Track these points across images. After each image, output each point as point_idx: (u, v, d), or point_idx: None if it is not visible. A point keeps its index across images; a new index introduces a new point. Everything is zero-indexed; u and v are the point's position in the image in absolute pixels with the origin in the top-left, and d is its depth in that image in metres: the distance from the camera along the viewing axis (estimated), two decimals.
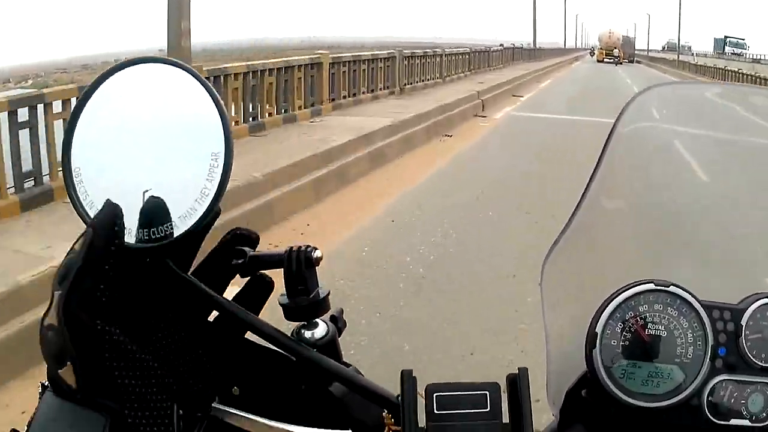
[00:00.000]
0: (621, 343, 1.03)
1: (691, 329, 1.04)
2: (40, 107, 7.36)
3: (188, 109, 0.94)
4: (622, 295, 1.04)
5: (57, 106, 7.48)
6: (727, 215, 1.34)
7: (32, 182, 7.18)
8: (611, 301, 1.03)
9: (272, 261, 1.01)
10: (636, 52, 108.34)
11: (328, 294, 1.03)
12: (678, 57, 72.40)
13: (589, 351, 1.02)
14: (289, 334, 1.00)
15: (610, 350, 1.03)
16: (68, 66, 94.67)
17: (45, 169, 7.38)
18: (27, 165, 7.17)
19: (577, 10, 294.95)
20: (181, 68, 0.96)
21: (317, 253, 1.00)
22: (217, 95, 0.94)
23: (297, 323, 1.03)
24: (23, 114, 7.15)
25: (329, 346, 1.03)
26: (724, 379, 1.03)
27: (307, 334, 1.03)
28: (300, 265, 1.00)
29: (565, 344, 1.13)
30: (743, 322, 1.04)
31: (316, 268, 1.01)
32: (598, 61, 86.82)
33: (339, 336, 1.06)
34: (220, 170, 0.92)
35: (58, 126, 7.35)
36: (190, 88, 0.94)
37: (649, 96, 1.20)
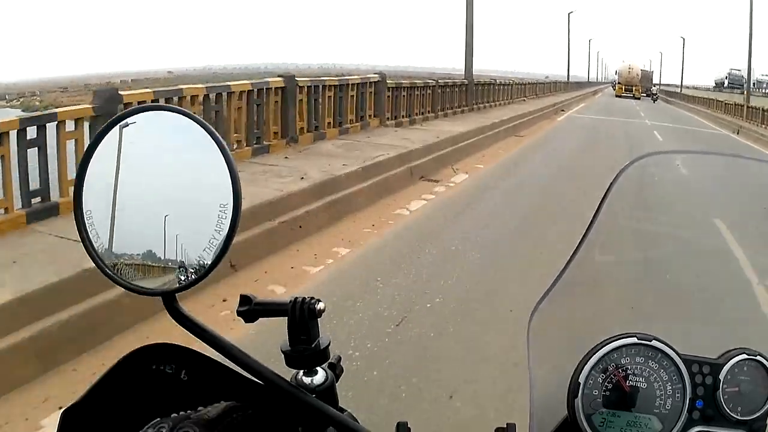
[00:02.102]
0: (602, 392, 1.10)
1: (670, 381, 1.11)
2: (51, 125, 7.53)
3: (197, 159, 0.96)
4: (606, 347, 1.11)
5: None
6: (710, 272, 1.41)
7: (39, 199, 7.36)
8: (595, 353, 1.10)
9: (277, 309, 1.05)
10: (660, 86, 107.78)
11: (329, 344, 1.06)
12: (747, 95, 45.52)
13: (571, 399, 1.09)
14: (289, 379, 1.04)
15: (591, 399, 1.10)
16: (70, 85, 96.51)
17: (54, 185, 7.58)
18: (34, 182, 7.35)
19: (598, 47, 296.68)
20: (189, 118, 0.97)
21: (320, 305, 1.05)
22: (226, 146, 0.96)
23: (296, 371, 1.06)
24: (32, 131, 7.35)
25: (327, 392, 1.06)
26: (701, 430, 1.10)
27: (307, 380, 1.06)
28: (303, 315, 1.04)
29: (548, 391, 1.16)
30: (721, 376, 1.11)
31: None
32: (617, 95, 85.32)
33: (336, 382, 1.09)
34: (228, 221, 0.94)
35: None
36: (199, 138, 0.96)
37: (641, 163, 1.27)
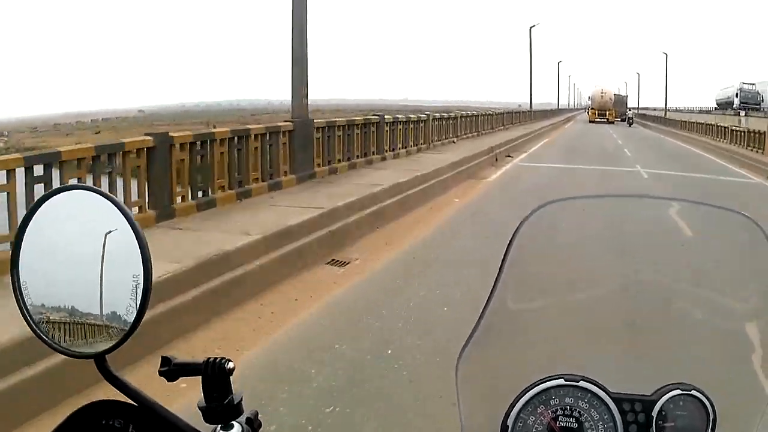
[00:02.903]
0: None
1: (602, 421, 1.14)
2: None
3: (111, 232, 1.09)
4: (533, 390, 1.15)
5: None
6: (639, 309, 1.42)
7: None
8: (523, 396, 1.15)
9: (193, 369, 1.14)
10: (637, 110, 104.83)
11: (242, 399, 1.15)
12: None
13: None
14: None
15: None
16: (42, 125, 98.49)
17: None
18: None
19: (569, 71, 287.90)
20: (102, 195, 1.12)
21: (231, 365, 1.14)
22: (134, 219, 1.10)
23: (214, 426, 1.14)
24: None
25: None
26: None
27: None
28: (215, 374, 1.13)
29: None
30: (654, 413, 1.14)
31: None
32: (590, 121, 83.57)
33: None
34: (140, 290, 1.09)
35: None
36: (110, 213, 1.11)
37: (546, 209, 1.30)
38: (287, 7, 14.08)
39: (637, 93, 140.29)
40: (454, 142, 25.66)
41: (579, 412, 1.14)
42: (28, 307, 1.08)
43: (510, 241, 1.25)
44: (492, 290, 1.22)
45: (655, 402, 1.14)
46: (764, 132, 29.05)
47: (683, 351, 1.35)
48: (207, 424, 1.13)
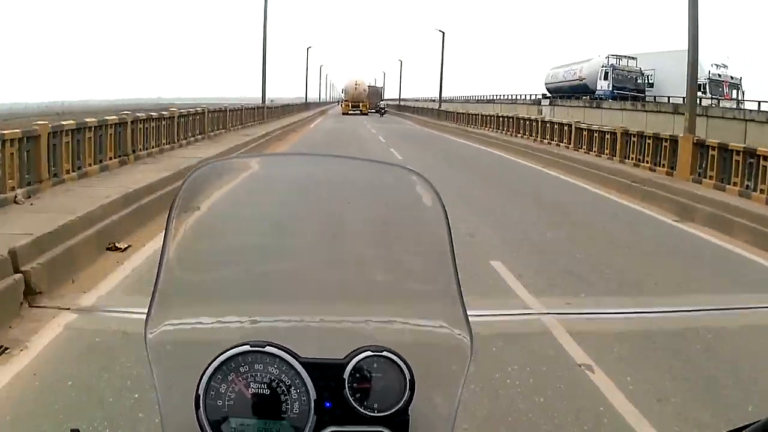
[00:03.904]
0: (227, 402, 1.15)
1: (294, 386, 1.16)
2: None
3: None
4: (220, 357, 1.15)
5: None
6: (327, 273, 1.40)
7: None
8: (210, 365, 1.15)
9: None
10: (399, 102, 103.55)
11: None
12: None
13: (196, 412, 1.13)
14: None
15: (218, 411, 1.15)
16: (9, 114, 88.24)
17: None
18: None
19: (322, 62, 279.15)
20: None
21: None
22: None
23: None
24: None
25: None
26: (333, 431, 1.15)
27: None
28: None
29: (179, 409, 1.17)
30: (345, 375, 1.17)
31: None
32: (344, 113, 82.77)
33: None
34: None
35: None
36: None
37: (205, 170, 1.28)
38: None
39: (399, 83, 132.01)
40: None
41: (270, 377, 1.16)
42: None
43: (171, 207, 1.21)
44: (160, 261, 1.19)
45: (345, 365, 1.16)
46: None
47: (374, 314, 1.35)
48: None
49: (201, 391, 1.13)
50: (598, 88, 52.40)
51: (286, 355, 1.16)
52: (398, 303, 1.37)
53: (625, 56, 53.82)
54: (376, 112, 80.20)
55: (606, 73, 51.89)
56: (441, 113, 56.32)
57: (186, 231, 1.24)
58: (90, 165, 13.41)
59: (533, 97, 62.73)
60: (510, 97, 68.82)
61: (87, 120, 13.70)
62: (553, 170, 21.05)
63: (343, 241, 1.44)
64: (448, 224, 1.28)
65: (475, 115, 42.87)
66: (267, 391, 1.15)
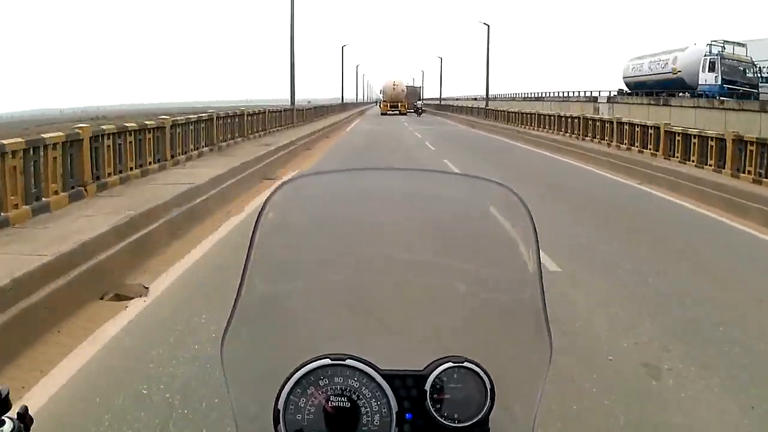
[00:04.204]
0: (307, 416, 1.14)
1: (374, 398, 1.15)
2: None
3: None
4: (300, 371, 1.14)
5: None
6: (407, 284, 1.40)
7: None
8: (290, 379, 1.14)
9: None
10: (439, 101, 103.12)
11: (8, 393, 1.09)
12: None
13: (275, 427, 1.13)
14: None
15: (296, 425, 1.14)
16: None
17: None
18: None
19: (359, 61, 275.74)
20: None
21: None
22: None
23: None
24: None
25: None
26: None
27: None
28: None
29: (254, 422, 1.18)
30: (427, 387, 1.16)
31: None
32: (382, 113, 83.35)
33: (29, 431, 1.11)
34: None
35: None
36: None
37: (288, 186, 1.30)
38: None
39: (439, 82, 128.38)
40: None
41: (351, 391, 1.14)
42: None
43: (256, 223, 1.22)
44: (242, 275, 1.19)
45: (426, 376, 1.15)
46: None
47: (452, 324, 1.33)
48: None
49: (281, 406, 1.12)
50: (701, 82, 40.90)
51: (367, 367, 1.14)
52: (477, 313, 1.35)
53: (733, 42, 42.16)
54: (414, 111, 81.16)
55: (711, 64, 40.42)
56: (488, 112, 51.38)
57: (267, 245, 1.22)
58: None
59: (588, 94, 56.86)
60: (561, 95, 63.55)
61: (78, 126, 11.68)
62: (663, 192, 16.06)
63: (423, 251, 1.41)
64: (536, 236, 1.26)
65: (530, 114, 37.80)
66: (347, 404, 1.13)
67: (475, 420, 1.16)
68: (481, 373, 1.17)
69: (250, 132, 24.47)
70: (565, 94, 62.65)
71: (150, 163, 14.23)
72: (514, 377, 1.24)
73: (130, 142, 13.31)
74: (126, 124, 13.66)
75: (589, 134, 27.28)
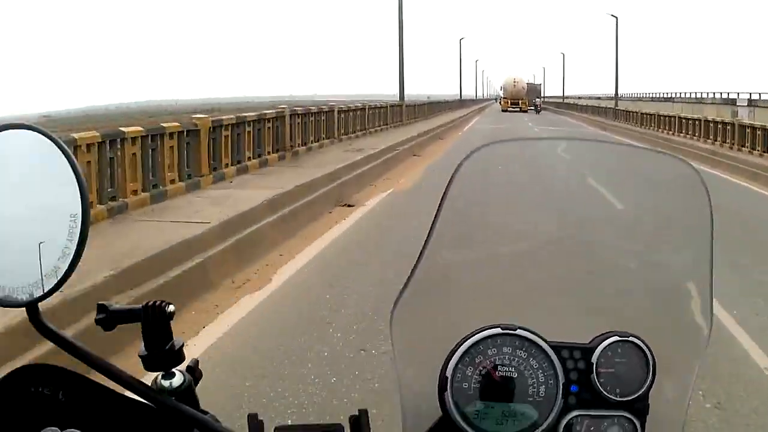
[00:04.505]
0: (473, 385, 1.13)
1: (541, 369, 1.13)
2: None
3: (47, 171, 1.02)
4: (471, 339, 1.14)
5: None
6: (574, 257, 1.37)
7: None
8: (460, 346, 1.13)
9: (131, 315, 1.09)
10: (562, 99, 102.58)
11: (183, 345, 1.10)
12: None
13: (441, 394, 1.12)
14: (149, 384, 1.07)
15: (463, 393, 1.13)
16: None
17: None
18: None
19: (477, 56, 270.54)
20: (40, 133, 1.03)
21: (171, 308, 1.09)
22: (74, 159, 1.01)
23: (155, 373, 1.09)
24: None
25: (187, 394, 1.09)
26: (579, 415, 1.13)
27: (165, 383, 1.08)
28: (156, 318, 1.08)
29: (419, 389, 1.19)
30: (594, 359, 1.14)
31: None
32: (503, 110, 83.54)
33: (196, 385, 1.13)
34: (78, 230, 0.99)
35: None
36: (49, 153, 1.02)
37: (480, 153, 1.26)
38: None
39: (562, 79, 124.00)
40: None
41: (518, 360, 1.14)
42: None
43: (446, 189, 1.22)
44: (426, 240, 1.20)
45: (593, 349, 1.15)
46: None
47: (618, 300, 1.32)
48: (148, 373, 1.09)
49: (449, 373, 1.12)
50: None
51: (537, 338, 1.14)
52: (640, 290, 1.32)
53: None
54: (533, 109, 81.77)
55: None
56: (618, 113, 46.72)
57: (451, 212, 1.22)
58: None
59: (725, 96, 51.01)
60: (695, 96, 57.99)
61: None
62: None
63: (593, 224, 1.38)
64: (711, 218, 1.23)
65: (668, 117, 33.14)
66: (514, 375, 1.14)
67: (635, 395, 1.14)
68: (645, 349, 1.15)
69: (343, 132, 21.53)
70: (699, 95, 57.19)
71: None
72: (672, 356, 1.21)
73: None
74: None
75: (746, 144, 22.68)
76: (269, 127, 15.75)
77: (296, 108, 18.20)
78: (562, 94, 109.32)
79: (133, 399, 1.05)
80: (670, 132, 31.35)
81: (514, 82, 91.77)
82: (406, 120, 32.67)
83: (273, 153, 15.79)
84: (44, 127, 1.06)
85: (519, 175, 1.44)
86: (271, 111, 16.50)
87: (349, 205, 13.15)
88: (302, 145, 17.97)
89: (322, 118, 19.80)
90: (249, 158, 14.51)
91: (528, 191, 1.45)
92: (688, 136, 28.75)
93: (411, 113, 35.12)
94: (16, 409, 1.04)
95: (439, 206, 1.20)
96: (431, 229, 1.19)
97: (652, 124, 35.17)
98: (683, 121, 30.59)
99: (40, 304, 1.00)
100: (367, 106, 25.82)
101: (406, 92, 37.54)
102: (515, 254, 1.36)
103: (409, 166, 19.92)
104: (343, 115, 22.11)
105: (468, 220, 1.34)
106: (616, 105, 51.82)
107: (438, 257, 1.22)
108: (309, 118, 18.70)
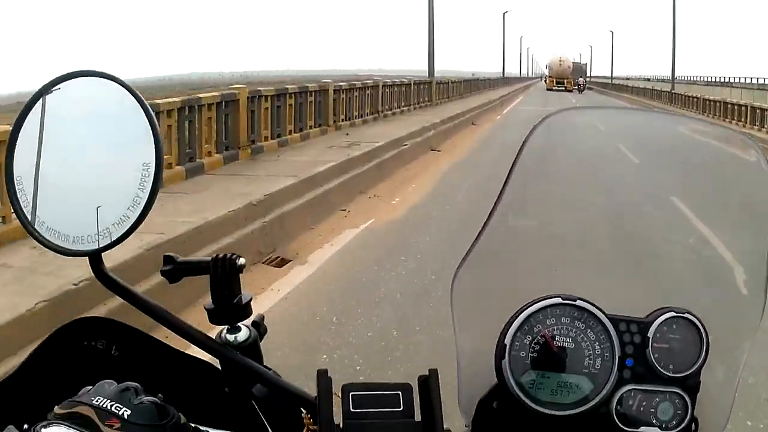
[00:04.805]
0: (530, 354, 1.10)
1: (598, 341, 1.10)
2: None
3: (121, 120, 0.99)
4: (530, 308, 1.11)
5: None
6: (635, 231, 1.37)
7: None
8: (519, 315, 1.10)
9: (199, 267, 1.08)
10: (611, 79, 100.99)
11: (251, 300, 1.10)
12: None
13: (498, 362, 1.09)
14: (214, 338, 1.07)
15: (520, 361, 1.09)
16: None
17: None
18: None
19: (522, 32, 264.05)
20: (114, 81, 1.01)
21: (241, 261, 1.08)
22: (148, 106, 0.99)
23: (221, 327, 1.09)
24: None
25: (251, 349, 1.09)
26: (632, 389, 1.10)
27: (230, 337, 1.08)
28: (225, 272, 1.06)
29: (475, 356, 1.17)
30: (650, 334, 1.11)
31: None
32: (548, 89, 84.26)
33: (261, 341, 1.12)
34: (151, 179, 0.97)
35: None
36: (123, 101, 0.99)
37: (552, 121, 1.24)
38: None
39: (610, 58, 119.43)
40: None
41: (576, 332, 1.12)
42: (20, 203, 0.99)
43: (517, 155, 1.20)
44: (494, 206, 1.19)
45: (650, 324, 1.13)
46: None
47: (674, 276, 1.30)
48: (213, 326, 1.10)
49: (507, 341, 1.10)
50: None
51: (596, 309, 1.11)
52: (698, 267, 1.30)
53: None
54: (576, 88, 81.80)
55: None
56: (674, 97, 42.16)
57: (521, 179, 1.20)
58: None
59: None
60: (756, 81, 53.32)
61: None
62: None
63: (657, 199, 1.35)
64: None
65: (738, 105, 28.80)
66: (572, 345, 1.11)
67: (688, 372, 1.12)
68: (700, 326, 1.14)
69: (358, 114, 18.28)
70: (762, 80, 52.55)
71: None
72: (724, 335, 1.19)
73: None
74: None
75: None
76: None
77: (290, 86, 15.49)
78: (610, 74, 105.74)
79: (190, 355, 1.08)
80: (741, 123, 27.02)
81: (560, 60, 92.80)
82: (436, 99, 28.83)
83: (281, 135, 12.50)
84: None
85: (589, 145, 1.40)
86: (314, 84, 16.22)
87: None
88: (307, 127, 15.74)
89: (320, 99, 16.39)
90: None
91: (596, 162, 1.41)
92: (756, 127, 24.54)
93: (443, 92, 31.21)
94: (70, 362, 1.05)
95: (509, 172, 1.19)
96: (499, 195, 1.18)
97: (717, 113, 30.84)
98: (757, 111, 26.28)
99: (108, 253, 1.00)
100: (381, 84, 21.62)
101: (451, 68, 33.81)
102: (578, 226, 1.34)
103: (426, 164, 16.02)
104: (361, 93, 18.96)
105: (535, 188, 1.31)
106: (673, 88, 47.11)
107: (503, 224, 1.21)
108: (308, 97, 15.73)
